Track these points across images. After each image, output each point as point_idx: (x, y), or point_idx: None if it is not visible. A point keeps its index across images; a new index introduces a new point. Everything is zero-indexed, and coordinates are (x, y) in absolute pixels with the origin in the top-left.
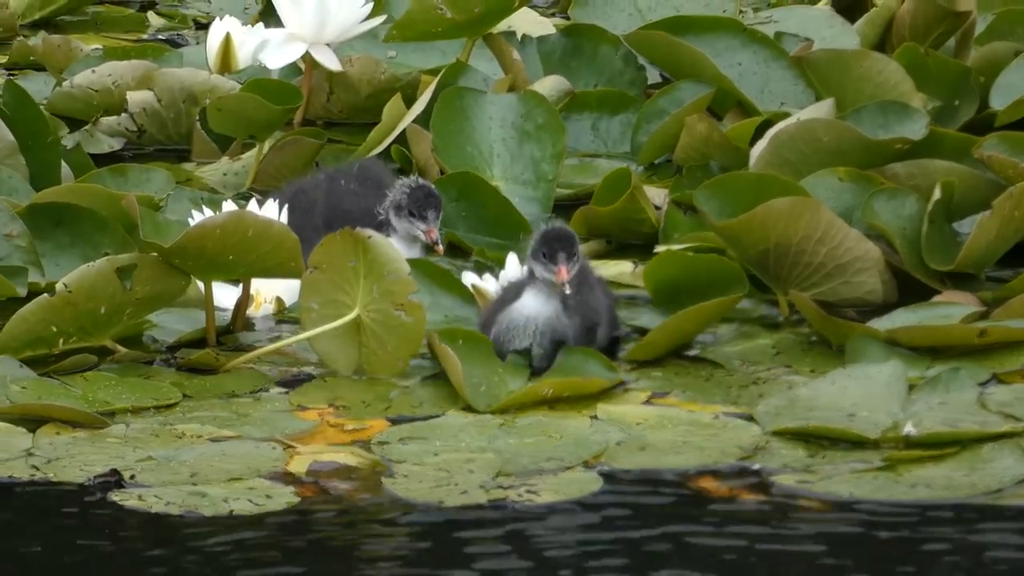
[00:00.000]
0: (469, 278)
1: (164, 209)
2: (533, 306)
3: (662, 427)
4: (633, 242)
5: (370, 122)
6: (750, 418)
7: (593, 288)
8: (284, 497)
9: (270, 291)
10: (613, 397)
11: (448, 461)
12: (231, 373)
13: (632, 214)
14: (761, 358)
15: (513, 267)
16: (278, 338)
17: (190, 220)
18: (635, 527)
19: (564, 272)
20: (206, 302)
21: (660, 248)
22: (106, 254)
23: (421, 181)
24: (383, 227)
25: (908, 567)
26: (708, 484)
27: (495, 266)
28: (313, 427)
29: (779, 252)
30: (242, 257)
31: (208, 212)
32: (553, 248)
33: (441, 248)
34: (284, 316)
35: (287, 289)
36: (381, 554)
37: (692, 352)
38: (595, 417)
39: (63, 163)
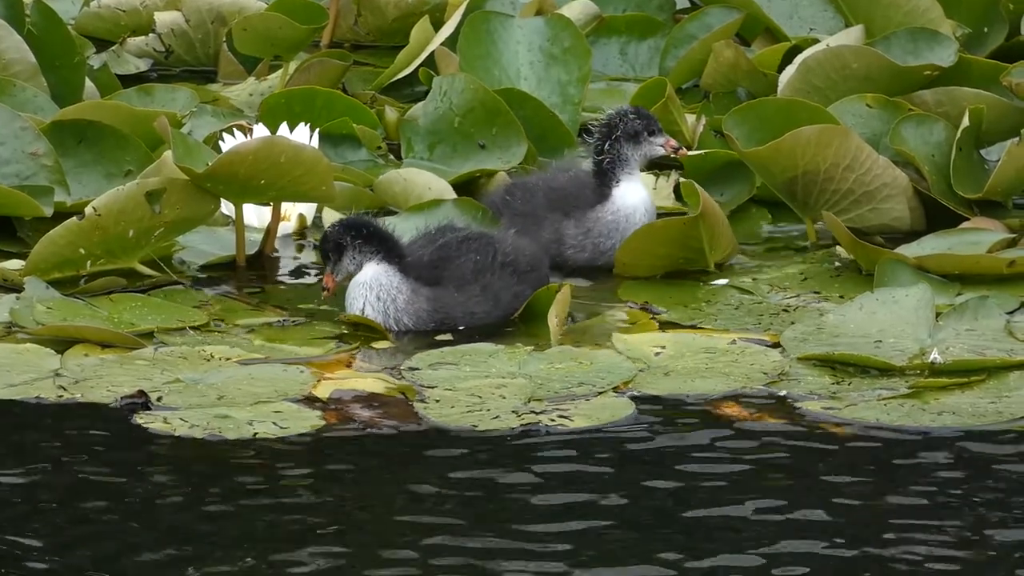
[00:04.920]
0: None
1: (186, 126)
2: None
3: (680, 355)
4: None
5: (397, 45)
6: (769, 344)
7: (466, 280)
8: (310, 420)
9: (291, 209)
10: (625, 326)
11: (479, 386)
12: (258, 296)
13: (665, 124)
14: (791, 284)
15: None
16: (302, 267)
17: (221, 145)
18: (667, 452)
19: None
20: (236, 226)
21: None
22: (129, 171)
23: (630, 106)
24: (609, 173)
25: (934, 493)
26: (736, 409)
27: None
28: (342, 350)
29: (807, 179)
30: (274, 181)
31: (241, 137)
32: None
33: (686, 151)
34: (305, 234)
35: (309, 207)
36: (410, 477)
37: (721, 280)
38: (611, 346)
39: (90, 83)
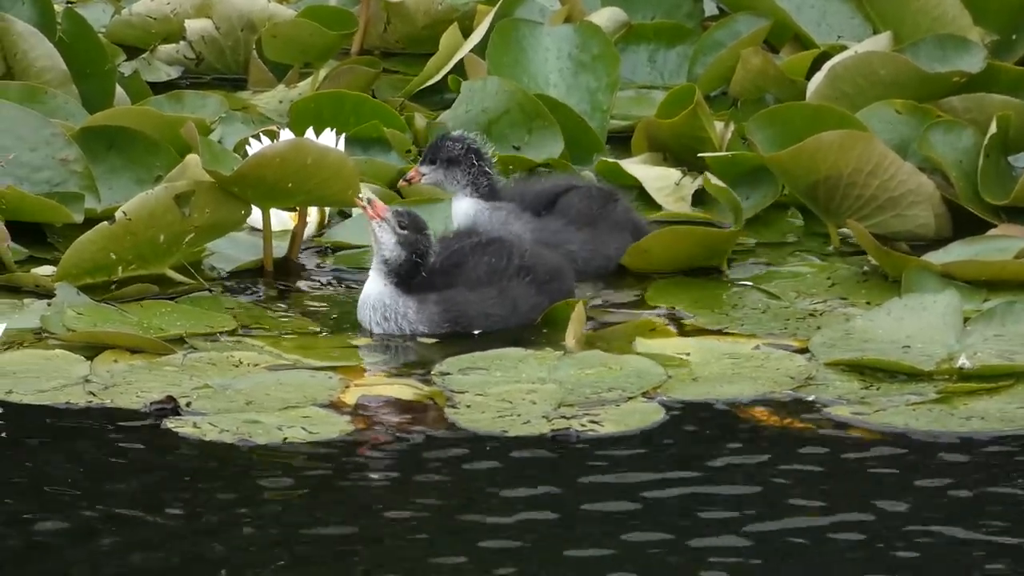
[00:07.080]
0: None
1: (215, 132)
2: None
3: (705, 361)
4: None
5: (427, 52)
6: (794, 349)
7: (471, 283)
8: (339, 426)
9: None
10: (646, 332)
11: (510, 392)
12: (288, 300)
13: (693, 131)
14: (817, 289)
15: None
16: (328, 272)
17: (248, 149)
18: (697, 458)
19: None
20: (264, 231)
21: (705, 154)
22: (159, 177)
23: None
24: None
25: (964, 499)
26: (766, 414)
27: None
28: (372, 356)
29: (830, 184)
30: (301, 185)
31: (267, 141)
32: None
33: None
34: (323, 233)
35: None
36: (440, 483)
37: (747, 282)
38: (636, 351)
39: (121, 91)
